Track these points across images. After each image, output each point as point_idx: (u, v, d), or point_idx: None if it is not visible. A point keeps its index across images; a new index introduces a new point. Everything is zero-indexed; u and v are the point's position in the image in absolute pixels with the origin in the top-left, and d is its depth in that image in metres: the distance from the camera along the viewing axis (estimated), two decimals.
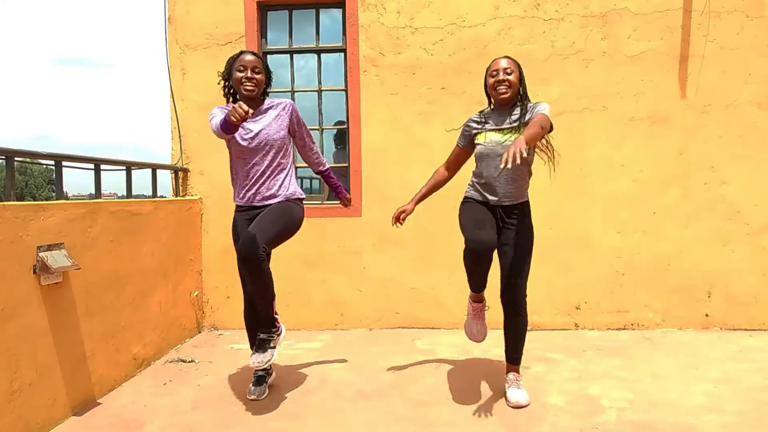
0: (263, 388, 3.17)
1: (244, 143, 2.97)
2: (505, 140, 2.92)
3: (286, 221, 2.95)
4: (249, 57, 3.01)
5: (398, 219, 3.22)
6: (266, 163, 3.00)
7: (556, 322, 4.46)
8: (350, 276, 4.57)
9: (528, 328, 4.38)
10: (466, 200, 3.09)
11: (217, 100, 4.52)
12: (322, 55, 4.67)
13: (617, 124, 4.39)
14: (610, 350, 3.89)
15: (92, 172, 3.62)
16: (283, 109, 3.07)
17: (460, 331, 4.40)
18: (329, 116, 4.77)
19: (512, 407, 2.94)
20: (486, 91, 3.09)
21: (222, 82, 3.10)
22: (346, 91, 4.60)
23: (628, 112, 4.38)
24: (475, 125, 3.06)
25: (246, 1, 4.53)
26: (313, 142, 3.26)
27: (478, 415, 2.84)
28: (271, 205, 3.00)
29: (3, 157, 2.83)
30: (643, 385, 3.20)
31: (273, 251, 3.01)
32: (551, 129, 2.92)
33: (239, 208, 3.09)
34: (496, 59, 3.05)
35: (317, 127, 4.69)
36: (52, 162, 3.26)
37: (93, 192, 3.72)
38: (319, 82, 4.68)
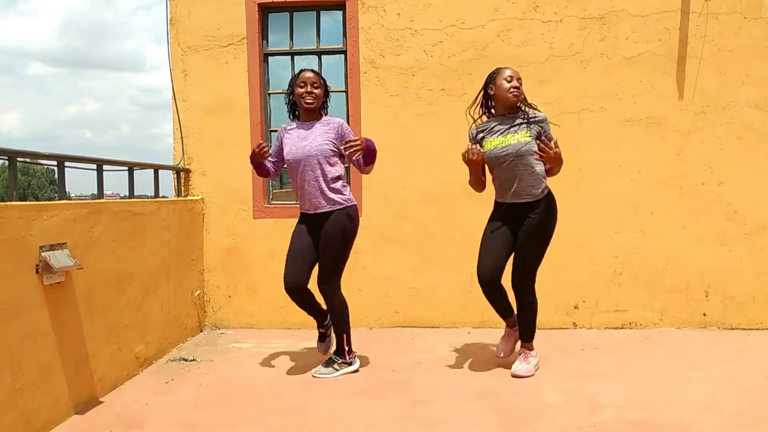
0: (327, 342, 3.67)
1: (289, 157, 3.32)
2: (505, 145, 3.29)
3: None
4: (309, 74, 3.28)
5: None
6: (310, 174, 3.28)
7: (555, 322, 4.48)
8: (350, 275, 4.56)
9: None
10: (493, 210, 3.46)
11: (218, 101, 4.59)
12: (322, 56, 4.70)
13: (615, 125, 4.41)
14: (608, 349, 3.91)
15: (95, 173, 3.65)
16: (332, 125, 3.33)
17: (459, 330, 4.43)
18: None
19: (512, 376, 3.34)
20: (489, 95, 3.36)
21: (287, 97, 3.41)
22: (346, 92, 4.63)
23: (626, 113, 4.40)
24: (480, 133, 3.39)
25: (247, 3, 4.55)
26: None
27: (477, 414, 2.86)
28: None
29: (5, 157, 2.85)
30: (641, 384, 3.22)
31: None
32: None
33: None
34: (501, 69, 3.34)
35: None
36: (55, 162, 3.28)
37: (95, 192, 3.75)
38: None
